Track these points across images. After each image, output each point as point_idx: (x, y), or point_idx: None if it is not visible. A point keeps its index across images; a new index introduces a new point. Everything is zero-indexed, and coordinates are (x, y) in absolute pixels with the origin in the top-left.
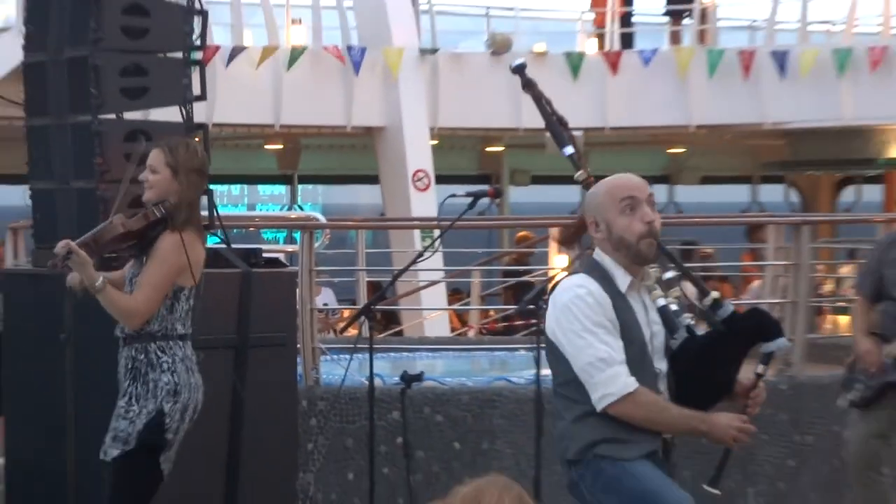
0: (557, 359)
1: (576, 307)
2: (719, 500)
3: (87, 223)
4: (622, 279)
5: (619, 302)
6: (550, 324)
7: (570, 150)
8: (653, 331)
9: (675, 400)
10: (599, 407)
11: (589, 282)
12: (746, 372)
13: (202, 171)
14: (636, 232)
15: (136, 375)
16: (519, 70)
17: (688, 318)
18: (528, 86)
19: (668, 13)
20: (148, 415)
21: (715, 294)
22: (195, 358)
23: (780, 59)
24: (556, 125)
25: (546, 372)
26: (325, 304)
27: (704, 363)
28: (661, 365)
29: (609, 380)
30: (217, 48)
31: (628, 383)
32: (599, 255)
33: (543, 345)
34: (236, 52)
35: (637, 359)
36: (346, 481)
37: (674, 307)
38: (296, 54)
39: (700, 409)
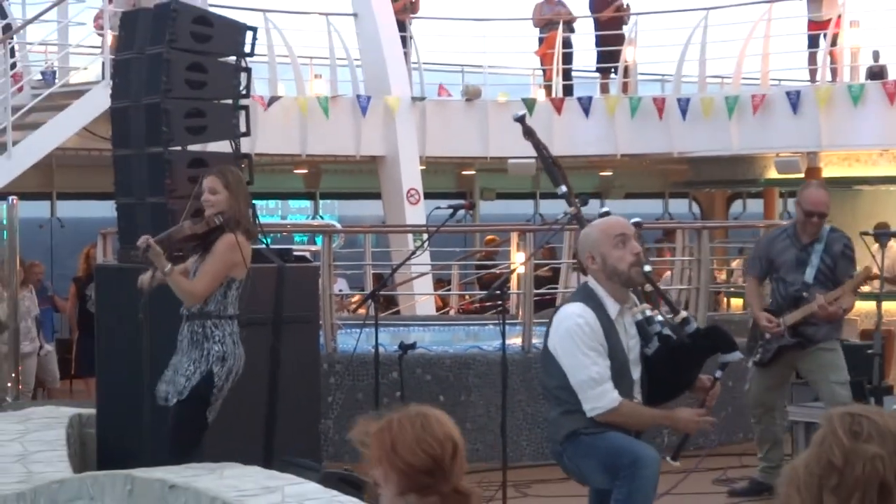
0: (553, 367)
1: (575, 333)
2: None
3: (159, 230)
4: (612, 307)
5: (609, 327)
6: (552, 341)
7: (563, 188)
8: (630, 345)
9: (648, 395)
10: (591, 415)
11: (586, 311)
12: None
13: (247, 188)
14: (627, 261)
15: (195, 344)
16: (520, 120)
17: (658, 326)
18: (529, 133)
19: (598, 69)
20: (201, 374)
21: (684, 314)
22: (241, 334)
23: (685, 104)
24: (551, 166)
25: (510, 341)
26: (341, 291)
27: (674, 369)
28: (637, 373)
29: (598, 396)
30: (260, 97)
31: (613, 398)
32: (594, 283)
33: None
34: (273, 99)
35: (618, 372)
36: None
37: (647, 313)
38: (321, 101)
39: (667, 401)
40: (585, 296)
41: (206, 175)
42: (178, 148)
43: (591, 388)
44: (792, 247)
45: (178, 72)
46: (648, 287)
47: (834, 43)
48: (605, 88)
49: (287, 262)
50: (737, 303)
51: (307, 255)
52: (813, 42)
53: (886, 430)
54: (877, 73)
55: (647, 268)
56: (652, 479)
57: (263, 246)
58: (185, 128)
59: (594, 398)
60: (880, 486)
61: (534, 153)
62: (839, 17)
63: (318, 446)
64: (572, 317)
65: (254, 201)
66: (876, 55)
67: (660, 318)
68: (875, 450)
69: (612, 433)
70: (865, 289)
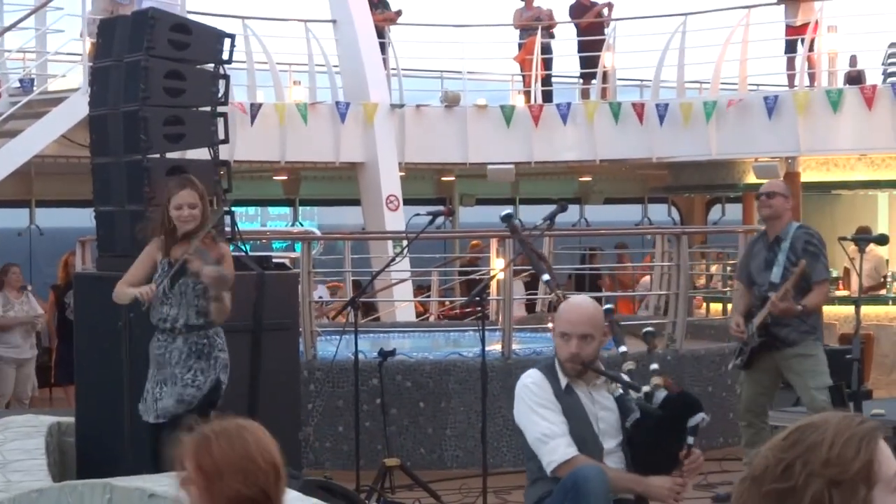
0: (522, 440)
1: (525, 395)
2: None
3: (138, 238)
4: (562, 378)
5: (560, 393)
6: (514, 411)
7: (546, 277)
8: (598, 415)
9: (636, 466)
10: (548, 471)
11: (535, 374)
12: None
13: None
14: (563, 356)
15: (199, 355)
16: (507, 219)
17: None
18: (514, 231)
19: (582, 75)
20: (211, 383)
21: (645, 388)
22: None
23: (663, 110)
24: (536, 260)
25: (490, 347)
26: (321, 298)
27: (654, 439)
28: (610, 443)
29: (552, 450)
30: (239, 104)
31: (567, 452)
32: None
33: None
34: (254, 107)
35: (581, 435)
36: (337, 433)
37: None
38: (300, 108)
39: (662, 473)
40: (545, 364)
41: (174, 190)
42: (157, 155)
43: (543, 445)
44: (763, 248)
45: (156, 79)
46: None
47: (811, 48)
48: (586, 94)
49: (266, 270)
50: (716, 307)
51: (286, 262)
52: (790, 47)
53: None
54: (854, 79)
55: (600, 364)
56: (597, 493)
57: (243, 253)
58: (163, 135)
59: (548, 453)
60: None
61: (514, 159)
62: (816, 22)
63: (299, 454)
64: (522, 382)
65: (233, 208)
66: (853, 60)
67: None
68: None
69: None
70: (844, 293)
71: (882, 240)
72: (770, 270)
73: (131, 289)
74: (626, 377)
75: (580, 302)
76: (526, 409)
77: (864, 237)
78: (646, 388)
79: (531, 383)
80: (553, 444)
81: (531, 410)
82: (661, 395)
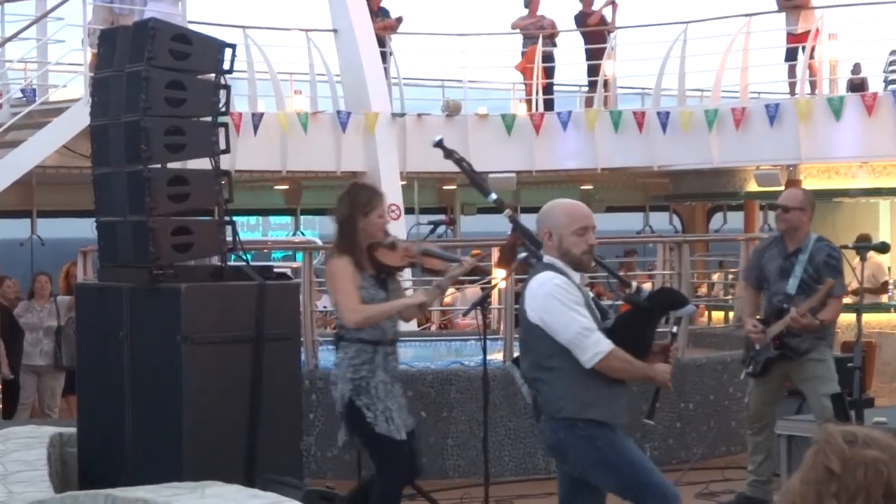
0: (541, 339)
1: (556, 292)
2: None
3: (139, 248)
4: (574, 275)
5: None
6: (534, 311)
7: (493, 196)
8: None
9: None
10: (591, 364)
11: (557, 275)
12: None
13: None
14: (581, 248)
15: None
16: (439, 144)
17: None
18: (449, 154)
19: (589, 83)
20: None
21: (634, 284)
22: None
23: (664, 118)
24: (478, 180)
25: (492, 357)
26: (325, 307)
27: (637, 332)
28: None
29: (595, 342)
30: (239, 114)
31: (609, 343)
32: (550, 259)
33: (491, 336)
34: (255, 117)
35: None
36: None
37: (591, 294)
38: (301, 117)
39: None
40: (549, 268)
41: (376, 200)
42: (158, 166)
43: (585, 338)
44: (778, 256)
45: (157, 90)
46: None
47: (812, 56)
48: (589, 102)
49: (268, 280)
50: (718, 316)
51: (288, 272)
52: (791, 55)
53: (883, 440)
54: (857, 86)
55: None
56: None
57: (244, 263)
58: (164, 145)
59: (592, 345)
60: (886, 491)
61: (515, 168)
62: (817, 29)
63: (300, 463)
64: (548, 282)
65: (234, 218)
66: (856, 68)
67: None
68: (876, 454)
69: (628, 443)
70: (846, 300)
71: (883, 248)
72: (786, 280)
73: (405, 300)
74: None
75: (572, 201)
76: (561, 307)
77: (864, 245)
78: (634, 284)
79: (562, 283)
80: (595, 337)
81: (568, 308)
82: (647, 291)
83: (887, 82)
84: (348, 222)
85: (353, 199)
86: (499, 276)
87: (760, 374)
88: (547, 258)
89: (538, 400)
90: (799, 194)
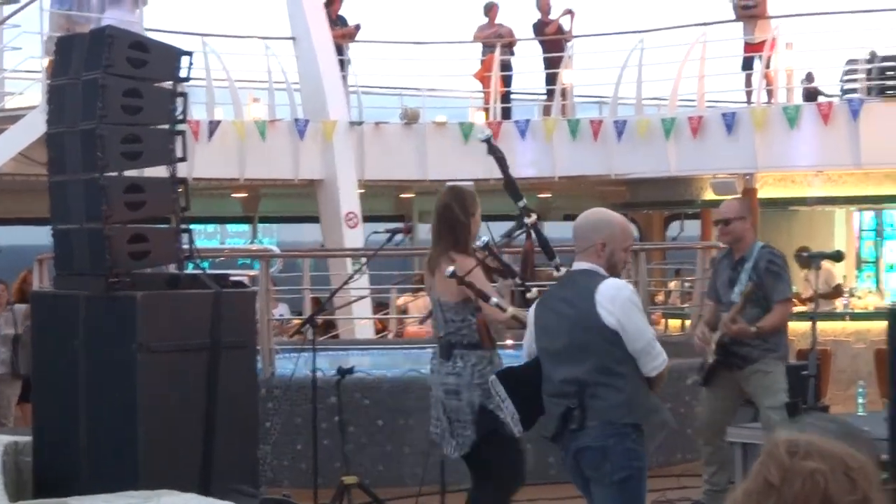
0: (613, 343)
1: (634, 299)
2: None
3: (97, 256)
4: None
5: None
6: (612, 315)
7: (523, 202)
8: None
9: None
10: (656, 371)
11: (625, 282)
12: None
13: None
14: (624, 265)
15: None
16: (488, 140)
17: None
18: (493, 152)
19: (548, 92)
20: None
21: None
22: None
23: (622, 126)
24: (513, 182)
25: None
26: (282, 315)
27: None
28: None
29: (661, 351)
30: (197, 122)
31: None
32: (593, 266)
33: None
34: (213, 125)
35: None
36: (296, 450)
37: None
38: (259, 125)
39: None
40: (599, 274)
41: (476, 202)
42: (115, 173)
43: (654, 347)
44: (728, 266)
45: (113, 97)
46: None
47: (769, 65)
48: (547, 111)
49: (224, 288)
50: (674, 324)
51: (244, 279)
52: (748, 64)
53: (827, 449)
54: (812, 95)
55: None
56: None
57: (200, 271)
58: (120, 153)
59: (659, 353)
60: (823, 502)
61: (473, 176)
62: (773, 39)
63: (257, 472)
64: (625, 288)
65: (191, 225)
66: (810, 77)
67: None
68: (814, 465)
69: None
70: (801, 308)
71: (838, 256)
72: (732, 289)
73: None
74: None
75: (621, 216)
76: (639, 313)
77: (819, 253)
78: None
79: (634, 291)
80: (660, 347)
81: (640, 315)
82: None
83: (843, 91)
84: (462, 225)
85: (462, 202)
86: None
87: (707, 382)
88: (589, 265)
89: (585, 407)
90: (735, 205)
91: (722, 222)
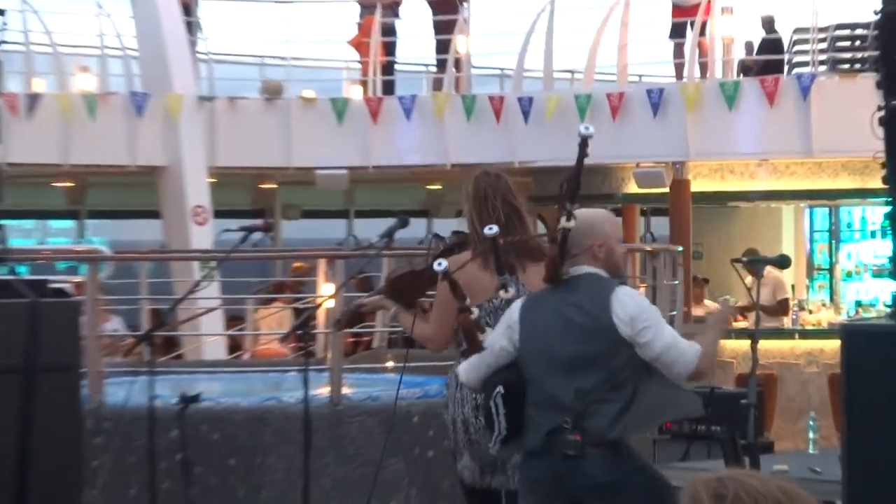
0: (618, 355)
1: (647, 301)
2: None
3: None
4: None
5: None
6: (624, 323)
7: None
8: None
9: None
10: (692, 364)
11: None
12: None
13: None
14: (623, 259)
15: None
16: (586, 137)
17: None
18: (584, 152)
19: (437, 63)
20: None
21: None
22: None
23: (527, 105)
24: (578, 183)
25: (315, 392)
26: (114, 330)
27: None
28: None
29: (689, 342)
30: (13, 95)
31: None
32: (595, 270)
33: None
34: (32, 99)
35: None
36: (129, 496)
37: None
38: (88, 100)
39: None
40: (604, 278)
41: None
42: None
43: (679, 339)
44: None
45: None
46: None
47: (703, 33)
48: (438, 85)
49: (42, 297)
50: None
51: (68, 287)
52: (678, 31)
53: (760, 490)
54: (749, 68)
55: None
56: None
57: (13, 277)
58: None
59: (689, 345)
60: None
61: (347, 163)
62: (708, 2)
63: None
64: (635, 292)
65: (4, 222)
66: (749, 47)
67: None
68: None
69: None
70: (742, 324)
71: (783, 262)
72: None
73: None
74: None
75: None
76: (656, 314)
77: (760, 259)
78: None
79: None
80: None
81: (659, 314)
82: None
83: (791, 65)
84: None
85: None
86: (326, 293)
87: None
88: (591, 269)
89: (583, 429)
90: None
91: None
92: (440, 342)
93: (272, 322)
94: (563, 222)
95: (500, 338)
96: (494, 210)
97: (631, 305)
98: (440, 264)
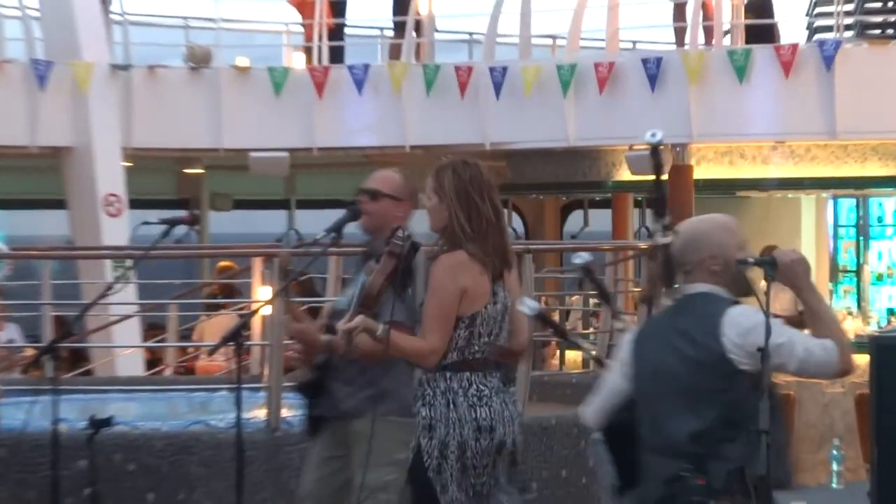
0: (741, 387)
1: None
2: None
3: None
4: None
5: None
6: (739, 355)
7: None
8: None
9: None
10: (840, 363)
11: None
12: None
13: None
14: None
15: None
16: (656, 141)
17: None
18: (658, 162)
19: (395, 25)
20: (412, 450)
21: None
22: (470, 389)
23: (500, 76)
24: (665, 196)
25: (250, 414)
26: (12, 341)
27: None
28: None
29: (820, 339)
30: None
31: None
32: (709, 287)
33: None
34: None
35: None
36: None
37: None
38: None
39: None
40: (720, 297)
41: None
42: None
43: (809, 339)
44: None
45: None
46: None
47: None
48: (395, 52)
49: None
50: (573, 357)
51: None
52: None
53: None
54: (760, 34)
55: None
56: None
57: None
58: None
59: (822, 346)
60: None
61: (288, 145)
62: None
63: None
64: (754, 312)
65: None
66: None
67: None
68: None
69: None
70: None
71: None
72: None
73: None
74: None
75: (713, 214)
76: (780, 326)
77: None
78: None
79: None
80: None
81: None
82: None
83: (811, 30)
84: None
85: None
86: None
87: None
88: (705, 287)
89: (708, 472)
90: (393, 176)
91: (368, 194)
92: (440, 354)
93: (208, 332)
94: (659, 238)
95: (614, 375)
96: (481, 209)
97: (746, 327)
98: (580, 257)
